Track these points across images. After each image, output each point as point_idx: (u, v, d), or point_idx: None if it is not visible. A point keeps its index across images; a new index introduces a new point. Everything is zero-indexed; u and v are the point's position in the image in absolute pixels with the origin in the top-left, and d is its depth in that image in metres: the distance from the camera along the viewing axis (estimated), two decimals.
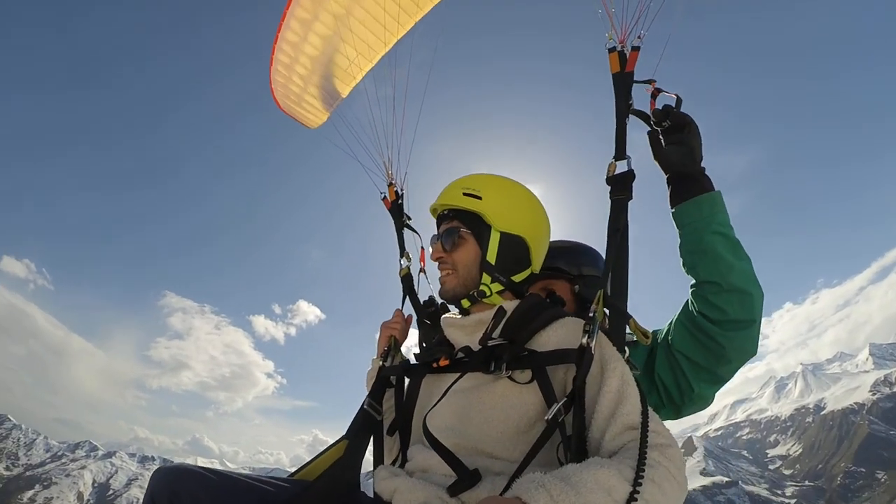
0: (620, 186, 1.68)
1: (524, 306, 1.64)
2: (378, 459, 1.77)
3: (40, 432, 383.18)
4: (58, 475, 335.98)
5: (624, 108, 1.75)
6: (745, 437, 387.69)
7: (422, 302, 2.30)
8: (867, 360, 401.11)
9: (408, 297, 2.35)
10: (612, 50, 1.80)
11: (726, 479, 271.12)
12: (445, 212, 1.76)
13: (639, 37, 1.77)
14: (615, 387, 1.36)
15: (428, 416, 1.56)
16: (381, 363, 2.02)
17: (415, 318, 2.27)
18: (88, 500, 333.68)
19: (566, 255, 2.18)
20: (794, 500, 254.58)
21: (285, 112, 3.25)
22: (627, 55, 1.79)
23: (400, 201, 2.65)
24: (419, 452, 1.57)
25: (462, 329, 1.73)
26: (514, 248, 1.73)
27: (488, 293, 1.72)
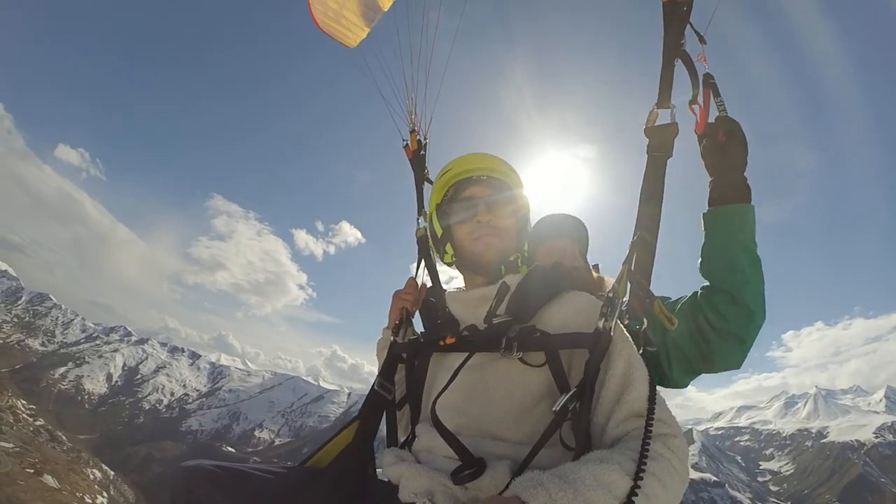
0: (660, 141, 1.54)
1: (528, 280, 1.62)
2: (391, 438, 1.78)
3: (78, 313, 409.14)
4: (91, 355, 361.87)
5: (673, 48, 1.52)
6: (742, 443, 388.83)
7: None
8: (881, 401, 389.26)
9: (423, 263, 2.19)
10: None
11: (714, 478, 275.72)
12: (484, 177, 1.71)
13: None
14: (621, 370, 1.33)
15: (437, 399, 1.52)
16: (392, 338, 1.94)
17: (429, 285, 2.15)
18: (117, 382, 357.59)
19: (551, 222, 2.31)
20: None
21: (323, 30, 3.12)
22: None
23: (423, 152, 2.50)
24: (425, 432, 1.56)
25: (465, 304, 1.72)
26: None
27: (526, 262, 1.78)
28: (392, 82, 2.55)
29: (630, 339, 1.40)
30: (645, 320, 1.50)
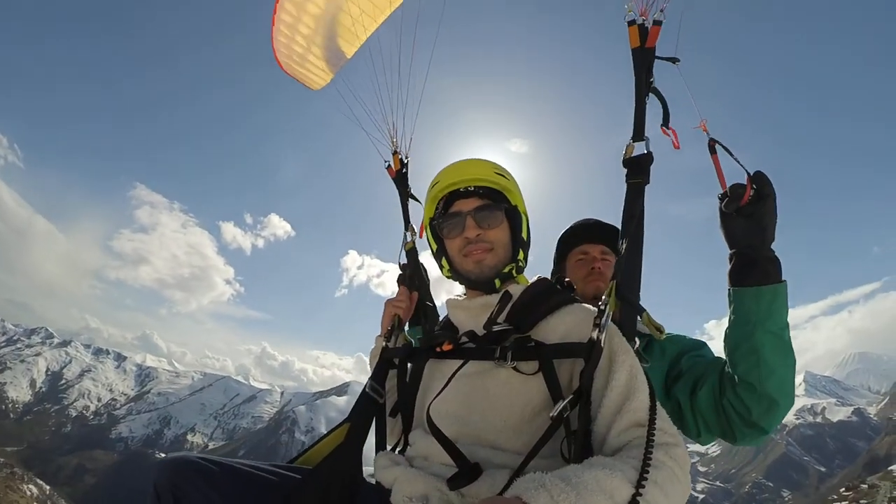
0: (637, 169, 1.63)
1: (531, 291, 1.63)
2: (380, 443, 1.75)
3: None
4: (12, 360, 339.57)
5: (643, 87, 1.66)
6: None
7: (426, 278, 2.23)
8: (800, 385, 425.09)
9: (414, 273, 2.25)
10: (631, 23, 1.70)
11: None
12: (471, 188, 1.70)
13: (661, 10, 1.67)
14: (623, 381, 1.33)
15: (432, 403, 1.52)
16: (384, 343, 1.94)
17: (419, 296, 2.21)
18: (41, 388, 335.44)
19: (586, 223, 2.28)
20: (702, 496, 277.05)
21: (287, 73, 3.13)
22: (648, 29, 1.68)
23: (405, 170, 2.56)
24: (420, 439, 1.55)
25: (467, 311, 1.71)
26: (528, 228, 1.78)
27: (522, 271, 1.76)
28: (369, 109, 2.60)
29: (631, 350, 1.42)
30: (637, 339, 1.53)
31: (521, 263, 1.73)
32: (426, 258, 2.21)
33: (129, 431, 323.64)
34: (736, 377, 1.59)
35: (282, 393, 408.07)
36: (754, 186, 1.53)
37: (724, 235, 1.62)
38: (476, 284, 1.71)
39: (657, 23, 1.66)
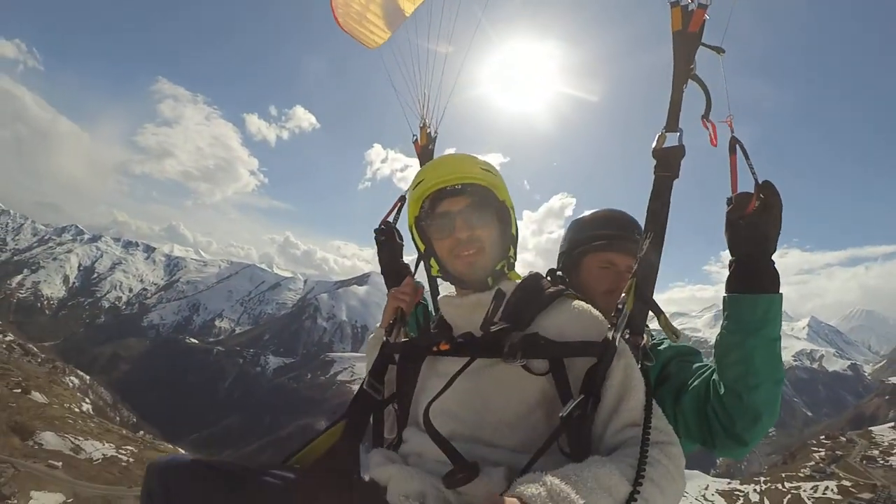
0: (667, 162, 1.59)
1: (524, 287, 1.62)
2: (377, 439, 1.75)
3: (28, 217, 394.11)
4: (45, 259, 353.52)
5: (683, 73, 1.60)
6: None
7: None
8: (804, 329, 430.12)
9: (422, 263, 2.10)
10: (674, 4, 1.62)
11: None
12: (458, 186, 1.62)
13: None
14: (619, 380, 1.35)
15: (431, 403, 1.46)
16: (385, 338, 1.87)
17: (427, 286, 2.14)
18: (74, 283, 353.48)
19: (617, 223, 2.12)
20: None
21: (345, 30, 3.05)
22: (693, 12, 1.59)
23: (431, 146, 2.44)
24: (414, 436, 1.56)
25: (460, 309, 1.69)
26: (516, 223, 1.72)
27: (513, 267, 1.71)
28: (405, 76, 2.46)
29: (628, 349, 1.43)
30: (645, 336, 1.55)
31: (511, 260, 1.71)
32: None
33: (160, 319, 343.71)
34: (723, 385, 1.58)
35: (305, 281, 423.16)
36: (761, 196, 1.49)
37: (727, 241, 1.59)
38: (467, 284, 1.67)
39: (702, 6, 1.58)
